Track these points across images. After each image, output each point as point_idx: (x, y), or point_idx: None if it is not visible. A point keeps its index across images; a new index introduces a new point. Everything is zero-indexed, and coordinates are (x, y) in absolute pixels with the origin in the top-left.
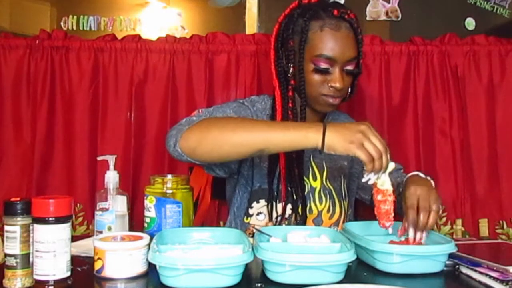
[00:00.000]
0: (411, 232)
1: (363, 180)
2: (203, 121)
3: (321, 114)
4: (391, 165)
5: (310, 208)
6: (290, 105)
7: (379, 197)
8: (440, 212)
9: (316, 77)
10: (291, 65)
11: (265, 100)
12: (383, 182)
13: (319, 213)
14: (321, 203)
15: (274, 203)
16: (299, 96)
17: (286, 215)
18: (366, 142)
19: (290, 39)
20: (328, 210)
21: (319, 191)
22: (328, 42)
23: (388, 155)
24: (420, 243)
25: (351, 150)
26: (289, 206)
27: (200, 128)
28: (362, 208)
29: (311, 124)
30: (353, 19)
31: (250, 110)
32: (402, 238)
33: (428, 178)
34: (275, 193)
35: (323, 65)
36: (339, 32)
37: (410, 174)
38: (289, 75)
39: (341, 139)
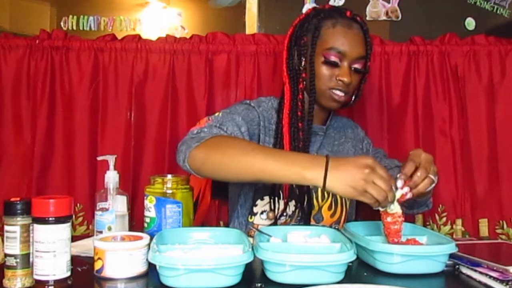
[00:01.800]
0: (399, 182)
1: (374, 208)
2: (211, 140)
3: (327, 112)
4: (399, 193)
5: (312, 203)
6: (300, 96)
7: (388, 219)
8: (433, 185)
9: (325, 70)
10: (303, 59)
11: (271, 101)
12: (393, 207)
13: (320, 209)
14: (323, 200)
15: (276, 198)
16: (309, 90)
17: (289, 212)
18: (369, 187)
19: (304, 36)
20: (330, 208)
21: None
22: (340, 38)
23: (394, 188)
24: (403, 201)
25: (354, 196)
26: (292, 203)
27: (206, 148)
28: (362, 208)
29: (313, 160)
30: (364, 23)
31: (256, 111)
32: (403, 239)
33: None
34: (278, 189)
35: (333, 58)
36: (350, 30)
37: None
38: (301, 68)
39: (342, 184)
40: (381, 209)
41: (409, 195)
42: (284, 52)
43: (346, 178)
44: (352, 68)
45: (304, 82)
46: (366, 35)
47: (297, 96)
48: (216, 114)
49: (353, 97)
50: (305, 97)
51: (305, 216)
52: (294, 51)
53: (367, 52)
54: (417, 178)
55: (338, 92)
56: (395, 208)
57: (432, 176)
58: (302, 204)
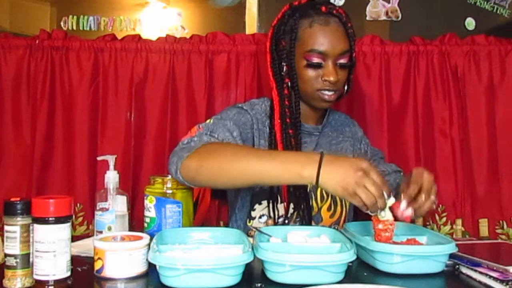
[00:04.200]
0: (403, 204)
1: (364, 211)
2: (202, 149)
3: (320, 112)
4: (391, 201)
5: (311, 205)
6: (286, 103)
7: (380, 226)
8: (434, 207)
9: (310, 72)
10: (285, 64)
11: (265, 103)
12: (384, 215)
13: (319, 210)
14: (322, 201)
15: (275, 203)
16: (294, 93)
17: (288, 215)
18: (359, 190)
19: (282, 39)
20: (329, 209)
21: (321, 189)
22: (318, 37)
23: (386, 195)
24: (407, 219)
25: (344, 197)
26: (290, 205)
27: (199, 157)
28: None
29: (308, 157)
30: (341, 14)
31: (249, 114)
32: (404, 239)
33: None
34: (276, 192)
35: (316, 60)
36: (328, 27)
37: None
38: (283, 73)
39: (333, 183)
40: (371, 213)
41: (411, 214)
42: (267, 55)
43: (338, 177)
44: (337, 65)
45: (289, 87)
46: (347, 26)
47: (284, 102)
48: (207, 121)
49: (345, 89)
50: (292, 102)
51: (305, 218)
52: (276, 54)
53: (350, 44)
54: (421, 201)
55: (326, 92)
56: (387, 215)
57: (433, 197)
58: (301, 207)
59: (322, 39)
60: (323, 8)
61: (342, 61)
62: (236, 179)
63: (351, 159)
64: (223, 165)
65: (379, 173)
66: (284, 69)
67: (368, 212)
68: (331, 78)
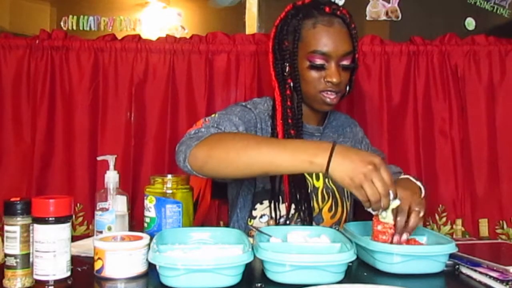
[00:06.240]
0: (405, 236)
1: (366, 208)
2: (211, 138)
3: (321, 114)
4: (396, 202)
5: (312, 206)
6: (288, 103)
7: (378, 227)
8: (422, 214)
9: (313, 73)
10: (287, 64)
11: (267, 102)
12: (385, 216)
13: (320, 211)
14: (323, 202)
15: (277, 203)
16: (296, 94)
17: (290, 215)
18: (366, 184)
19: (285, 39)
20: (330, 209)
21: (322, 190)
22: (322, 38)
23: (391, 196)
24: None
25: (350, 188)
26: (292, 206)
27: (208, 146)
28: (362, 208)
29: (319, 145)
30: (345, 15)
31: (253, 112)
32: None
33: (418, 183)
34: (278, 193)
35: (318, 61)
36: (332, 27)
37: (401, 177)
38: (285, 73)
39: (342, 173)
40: (373, 212)
41: (404, 238)
42: (270, 55)
43: (347, 167)
44: (340, 66)
45: (291, 88)
46: (350, 27)
47: (286, 102)
48: (212, 115)
49: (347, 90)
50: (294, 103)
51: (306, 219)
52: (278, 55)
53: (353, 45)
54: (398, 224)
55: (329, 94)
56: (387, 217)
57: (416, 209)
58: (302, 208)
59: (325, 40)
60: (327, 9)
61: (345, 62)
62: (245, 169)
63: (363, 151)
64: (232, 155)
65: (390, 172)
66: (287, 70)
67: (370, 210)
68: (334, 80)
